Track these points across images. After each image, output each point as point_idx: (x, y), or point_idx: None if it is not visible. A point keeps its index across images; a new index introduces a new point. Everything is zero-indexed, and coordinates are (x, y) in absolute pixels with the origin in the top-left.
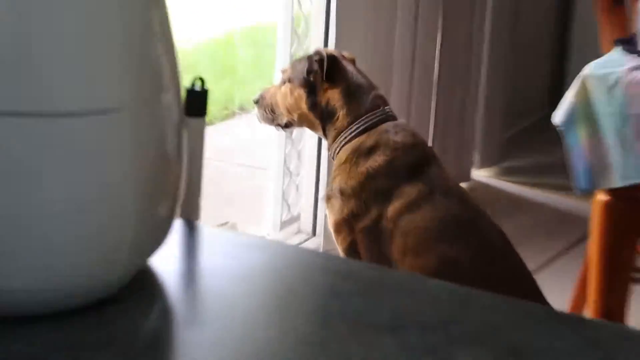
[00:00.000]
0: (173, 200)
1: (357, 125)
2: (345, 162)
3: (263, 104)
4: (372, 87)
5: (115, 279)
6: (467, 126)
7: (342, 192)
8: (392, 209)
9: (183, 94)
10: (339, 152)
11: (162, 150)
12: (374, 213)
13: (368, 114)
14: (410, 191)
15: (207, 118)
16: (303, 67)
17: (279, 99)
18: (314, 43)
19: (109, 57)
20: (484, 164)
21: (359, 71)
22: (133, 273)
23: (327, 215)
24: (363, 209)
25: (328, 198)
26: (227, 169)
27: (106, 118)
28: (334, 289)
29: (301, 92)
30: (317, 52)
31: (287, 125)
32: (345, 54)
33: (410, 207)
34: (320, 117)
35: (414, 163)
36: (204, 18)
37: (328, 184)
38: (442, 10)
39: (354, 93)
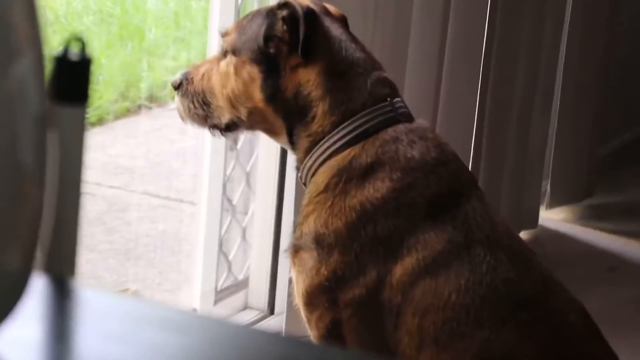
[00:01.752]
0: (29, 244)
1: (347, 130)
2: (325, 190)
3: (189, 91)
4: (373, 65)
5: None
6: (533, 144)
7: (318, 241)
8: (400, 269)
9: (49, 65)
10: (315, 173)
11: (10, 160)
12: (370, 276)
13: (366, 111)
14: (431, 241)
15: (94, 111)
16: (258, 29)
17: (216, 82)
18: None
19: None
20: (558, 201)
21: (352, 38)
22: None
23: (294, 280)
24: (354, 269)
25: (296, 251)
26: (129, 199)
27: None
28: None
29: (254, 72)
30: (285, 4)
31: (228, 128)
32: (330, 8)
33: (432, 267)
34: (285, 113)
35: (439, 194)
36: None
37: (296, 226)
38: None
39: (343, 75)
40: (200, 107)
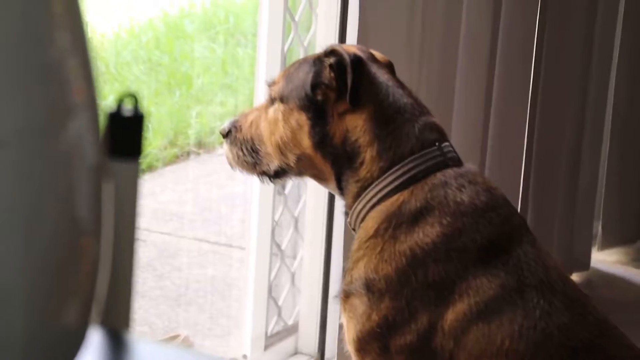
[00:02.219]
0: (86, 298)
1: (396, 175)
2: (375, 235)
3: (238, 139)
4: (420, 110)
5: None
6: (584, 182)
7: (369, 287)
8: (452, 315)
9: (103, 121)
10: (364, 218)
11: (66, 214)
12: (422, 322)
13: (414, 156)
14: (483, 286)
15: (144, 159)
16: (305, 76)
17: (264, 129)
18: (322, 35)
19: None
20: (610, 243)
21: (399, 84)
22: None
23: (345, 326)
24: (405, 315)
25: (346, 296)
26: (179, 245)
27: None
28: None
29: (302, 119)
30: (333, 52)
31: (277, 174)
32: (377, 54)
33: (485, 313)
34: (334, 159)
35: (490, 238)
36: None
37: (345, 272)
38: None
39: (390, 121)
40: (249, 155)
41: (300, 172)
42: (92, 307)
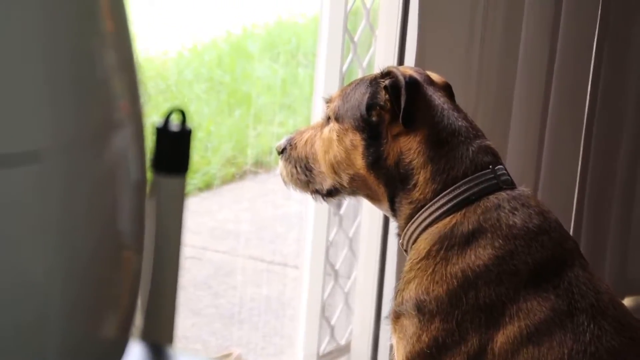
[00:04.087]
0: (127, 312)
1: (449, 197)
2: (426, 256)
3: (292, 156)
4: (475, 133)
5: None
6: (638, 210)
7: (419, 308)
8: (503, 337)
9: (150, 135)
10: (416, 239)
11: (109, 228)
12: (472, 344)
13: (467, 179)
14: (534, 309)
15: (202, 177)
16: (361, 97)
17: (319, 148)
18: (380, 56)
19: (20, 80)
20: None
21: (454, 107)
22: None
23: (395, 346)
24: (455, 337)
25: (397, 317)
26: (234, 263)
27: (13, 172)
28: None
29: (356, 139)
30: (389, 73)
31: (330, 193)
32: (434, 76)
33: (535, 335)
34: (387, 180)
35: (541, 262)
36: (204, 13)
37: (397, 292)
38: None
39: (445, 143)
40: (302, 173)
41: (353, 192)
42: (132, 321)
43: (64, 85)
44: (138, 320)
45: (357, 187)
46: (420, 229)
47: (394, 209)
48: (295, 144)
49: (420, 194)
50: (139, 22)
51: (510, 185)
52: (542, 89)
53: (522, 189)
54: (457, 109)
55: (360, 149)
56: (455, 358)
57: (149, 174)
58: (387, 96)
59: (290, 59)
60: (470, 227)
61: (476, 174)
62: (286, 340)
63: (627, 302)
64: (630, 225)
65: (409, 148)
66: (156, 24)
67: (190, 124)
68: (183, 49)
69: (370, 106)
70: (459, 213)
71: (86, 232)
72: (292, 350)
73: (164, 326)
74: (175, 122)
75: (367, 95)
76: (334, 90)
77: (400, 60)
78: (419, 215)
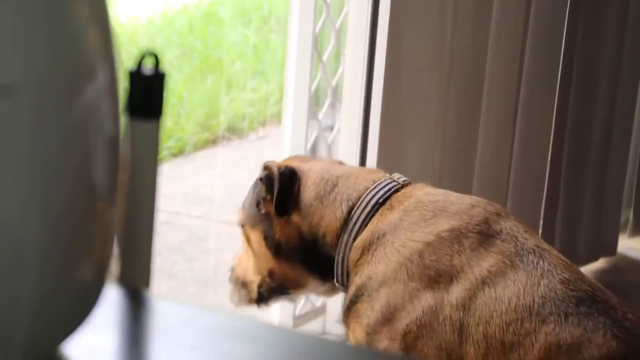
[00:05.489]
0: (103, 256)
1: (354, 219)
2: (362, 253)
3: (233, 279)
4: (359, 172)
5: None
6: (614, 169)
7: (365, 288)
8: (458, 287)
9: (123, 80)
10: (349, 257)
11: (83, 174)
12: (426, 299)
13: (368, 190)
14: (483, 256)
15: (175, 143)
16: (252, 196)
17: (244, 260)
18: (353, 17)
19: None
20: None
21: (335, 162)
22: None
23: (352, 335)
24: (405, 296)
25: (348, 311)
26: (207, 229)
27: None
28: None
29: (257, 235)
30: (265, 168)
31: (261, 297)
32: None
33: (488, 278)
34: (302, 258)
35: (480, 222)
36: None
37: (345, 298)
38: None
39: (332, 189)
40: (243, 288)
41: (282, 288)
42: (107, 266)
43: (39, 23)
44: (115, 266)
45: (280, 279)
46: (347, 253)
47: (322, 274)
48: (234, 267)
49: (332, 235)
50: None
51: (409, 183)
52: (518, 46)
53: (420, 183)
54: (339, 164)
55: (262, 242)
56: (411, 315)
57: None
58: (263, 188)
59: (263, 25)
60: (393, 214)
61: (375, 185)
62: None
63: (601, 263)
64: (604, 188)
65: (301, 220)
66: None
67: (162, 67)
68: (154, 15)
69: (258, 202)
70: (374, 218)
71: (60, 175)
72: (267, 313)
73: (141, 271)
74: (147, 66)
75: (254, 193)
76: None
77: (374, 20)
78: (341, 244)
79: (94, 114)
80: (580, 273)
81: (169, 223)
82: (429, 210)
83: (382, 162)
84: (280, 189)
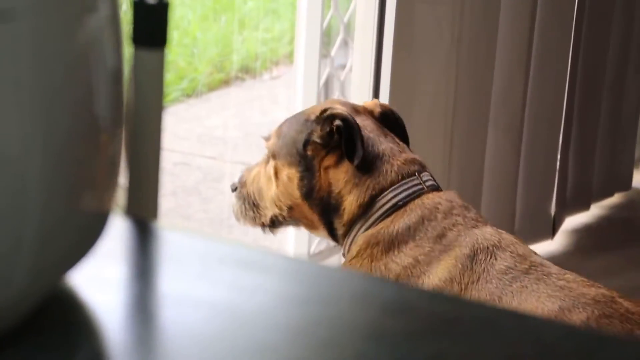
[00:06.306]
0: (106, 189)
1: (377, 206)
2: (356, 255)
3: (242, 194)
4: (401, 150)
5: (8, 309)
6: (627, 106)
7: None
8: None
9: (128, 10)
10: (349, 249)
11: (86, 112)
12: None
13: (393, 187)
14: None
15: (189, 84)
16: (296, 135)
17: (263, 184)
18: None
19: None
20: None
21: (380, 132)
22: (39, 299)
23: None
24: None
25: None
26: (221, 169)
27: None
28: (379, 329)
29: (292, 173)
30: (324, 110)
31: (273, 223)
32: (359, 106)
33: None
34: (321, 210)
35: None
36: None
37: None
38: None
39: (370, 167)
40: (250, 209)
41: (295, 222)
42: (111, 198)
43: None
44: (121, 197)
45: (296, 217)
46: (352, 242)
47: (333, 235)
48: (245, 181)
49: (348, 216)
50: None
51: (436, 189)
52: None
53: (448, 191)
54: (383, 133)
55: (296, 181)
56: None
57: (127, 49)
58: (321, 132)
59: None
60: (396, 227)
61: (402, 182)
62: (277, 243)
63: (616, 198)
64: (619, 124)
65: (337, 179)
66: None
67: None
68: None
69: (307, 142)
70: (388, 219)
71: (62, 104)
72: (283, 252)
73: (147, 202)
74: None
75: (304, 133)
76: (273, 129)
77: None
78: (353, 230)
79: (97, 42)
80: (533, 261)
81: (183, 164)
82: (424, 238)
83: (394, 101)
84: (347, 139)
